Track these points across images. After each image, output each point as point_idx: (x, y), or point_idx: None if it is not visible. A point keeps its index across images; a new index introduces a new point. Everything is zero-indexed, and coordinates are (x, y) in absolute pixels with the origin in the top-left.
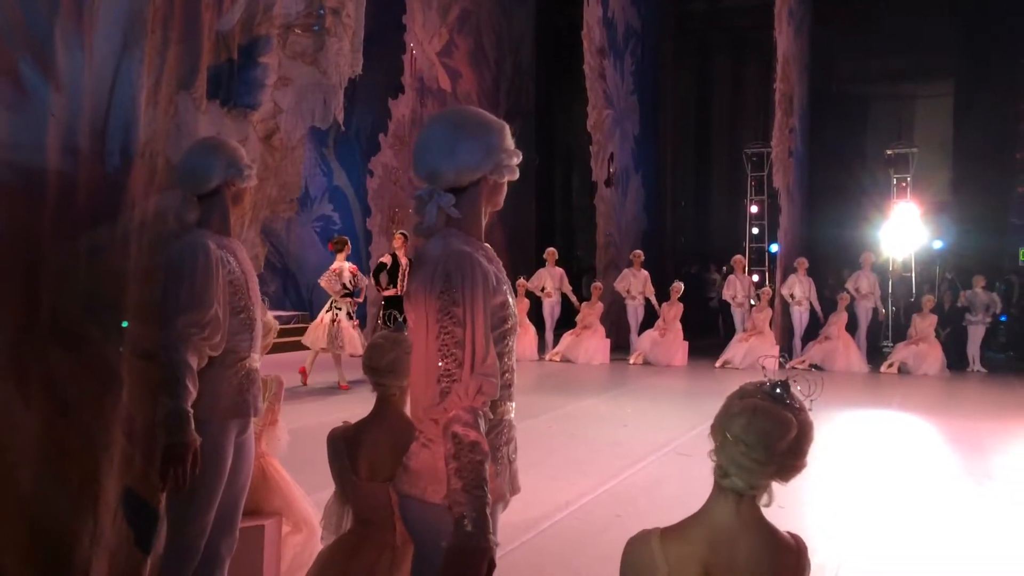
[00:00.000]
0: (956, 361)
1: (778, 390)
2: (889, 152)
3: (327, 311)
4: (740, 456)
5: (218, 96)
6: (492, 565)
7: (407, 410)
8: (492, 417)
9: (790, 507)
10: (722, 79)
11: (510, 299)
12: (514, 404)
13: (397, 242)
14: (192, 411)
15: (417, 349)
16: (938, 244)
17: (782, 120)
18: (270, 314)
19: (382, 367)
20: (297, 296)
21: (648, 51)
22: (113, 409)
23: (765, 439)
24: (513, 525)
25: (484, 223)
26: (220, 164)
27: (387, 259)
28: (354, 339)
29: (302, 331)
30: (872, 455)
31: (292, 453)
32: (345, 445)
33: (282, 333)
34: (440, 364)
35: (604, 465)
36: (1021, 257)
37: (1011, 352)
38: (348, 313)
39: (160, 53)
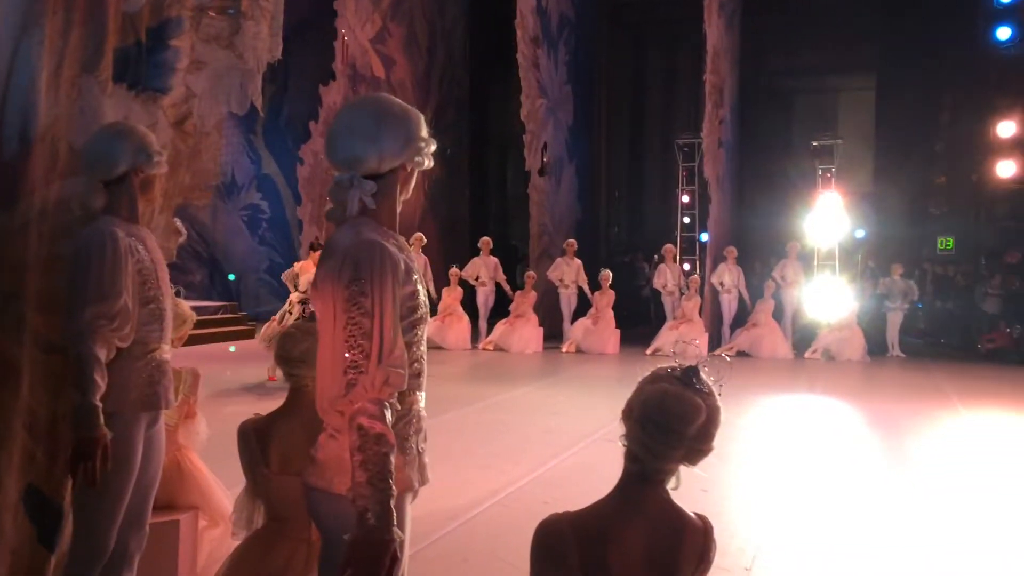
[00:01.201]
0: (876, 347)
1: (688, 375)
2: (815, 143)
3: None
4: (649, 440)
5: (125, 79)
6: (395, 558)
7: None
8: (400, 408)
9: (713, 490)
10: (655, 70)
11: (420, 289)
12: (424, 394)
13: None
14: (101, 405)
15: (324, 340)
16: (860, 233)
17: (712, 111)
18: (186, 304)
19: (294, 357)
20: (224, 286)
21: (582, 41)
22: (11, 403)
23: (674, 423)
24: (440, 514)
25: (398, 211)
26: (128, 149)
27: None
28: None
29: (229, 322)
30: (794, 439)
31: (214, 447)
32: (256, 437)
33: (207, 324)
34: (347, 355)
35: (534, 453)
36: (939, 246)
37: (928, 337)
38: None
39: (62, 35)
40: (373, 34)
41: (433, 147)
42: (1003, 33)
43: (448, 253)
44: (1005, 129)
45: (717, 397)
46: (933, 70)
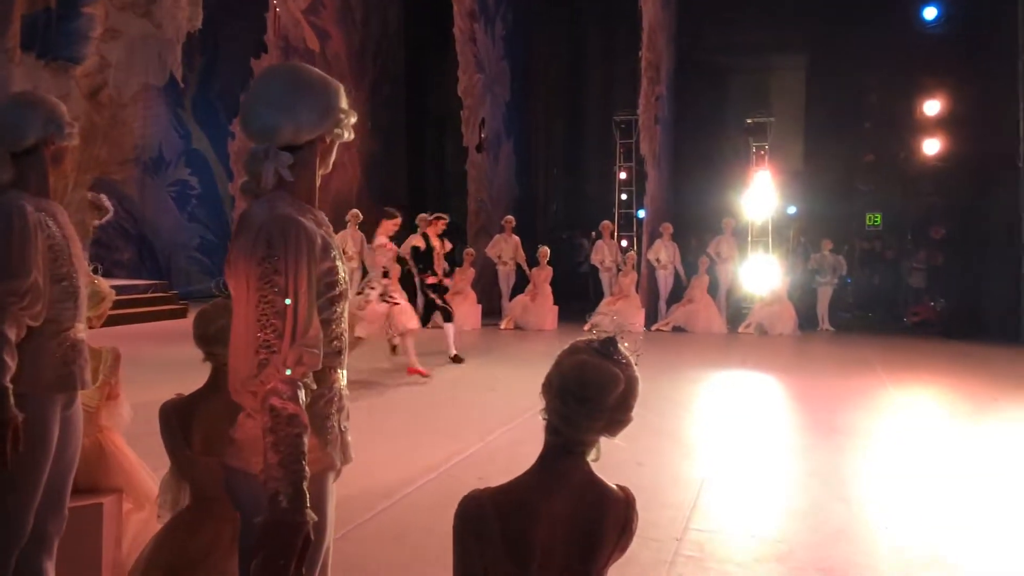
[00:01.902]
0: (807, 321)
1: (606, 346)
2: (749, 121)
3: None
4: (569, 412)
5: (34, 48)
6: (308, 540)
7: None
8: (319, 387)
9: (648, 463)
10: (593, 46)
11: (339, 264)
12: (345, 372)
13: (433, 226)
14: (12, 386)
15: (237, 318)
16: (792, 210)
17: (649, 88)
18: (105, 282)
19: (210, 335)
20: (154, 264)
21: (519, 16)
22: None
23: (593, 393)
24: (375, 492)
25: (317, 185)
26: (37, 120)
27: (419, 242)
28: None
29: (159, 301)
30: (727, 413)
31: (140, 428)
32: (178, 418)
33: (137, 304)
34: (259, 335)
35: (470, 430)
36: (867, 222)
37: (856, 311)
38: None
39: None
40: (306, 5)
41: (354, 119)
42: (929, 13)
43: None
44: (930, 108)
45: (635, 368)
46: (862, 50)
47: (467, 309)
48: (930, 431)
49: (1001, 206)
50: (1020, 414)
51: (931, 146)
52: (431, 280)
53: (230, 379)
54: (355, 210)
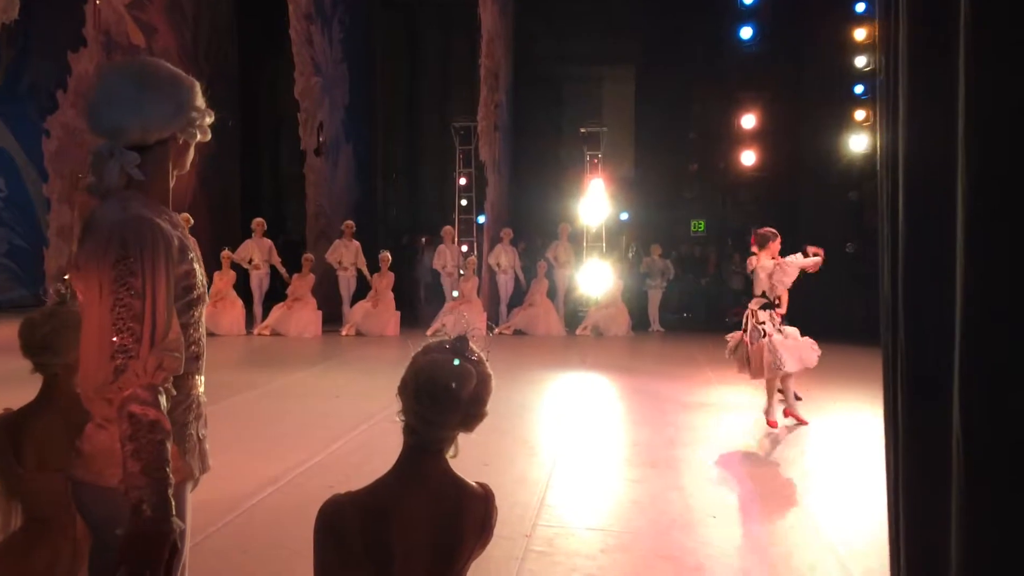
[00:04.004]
0: (639, 323)
1: (458, 345)
2: (583, 130)
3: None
4: (425, 410)
5: None
6: (175, 549)
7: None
8: (176, 393)
9: (494, 463)
10: (432, 52)
11: (196, 267)
12: (203, 378)
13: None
14: None
15: (89, 323)
16: (625, 216)
17: (488, 95)
18: None
19: (35, 343)
20: None
21: (357, 19)
22: None
23: (447, 390)
24: (217, 505)
25: (171, 186)
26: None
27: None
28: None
29: None
30: (567, 412)
31: None
32: (7, 435)
33: None
34: (115, 339)
35: (315, 438)
36: (692, 228)
37: (685, 313)
38: None
39: None
40: None
41: (210, 118)
42: (745, 32)
43: (219, 235)
44: (747, 121)
45: (487, 364)
46: (687, 64)
47: (307, 316)
48: (754, 423)
49: (806, 217)
50: (831, 403)
51: (748, 157)
52: None
53: (81, 386)
54: (185, 214)
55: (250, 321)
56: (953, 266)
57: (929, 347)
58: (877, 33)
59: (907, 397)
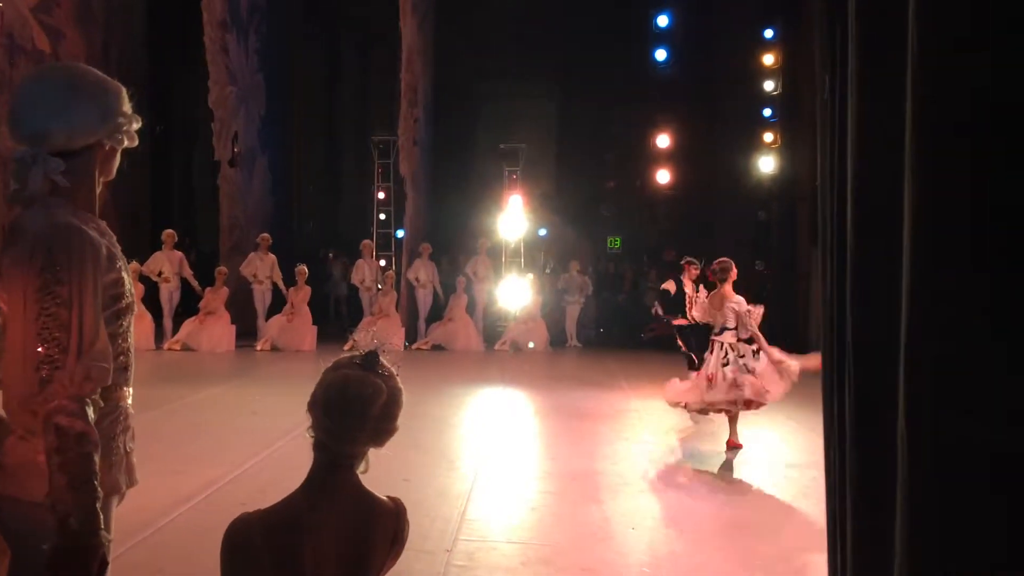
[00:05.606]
0: (557, 337)
1: (368, 360)
2: (502, 146)
3: None
4: (335, 425)
5: None
6: (104, 564)
7: None
8: (103, 405)
9: (414, 479)
10: (352, 65)
11: (125, 276)
12: (131, 390)
13: (688, 273)
14: None
15: (12, 333)
16: (543, 232)
17: (408, 110)
18: None
19: None
20: None
21: (275, 30)
22: None
23: (357, 405)
24: (130, 523)
25: (97, 193)
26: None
27: (671, 286)
28: None
29: None
30: (486, 427)
31: None
32: None
33: None
34: (40, 349)
35: (231, 454)
36: (609, 244)
37: (602, 328)
38: None
39: None
40: (36, 3)
41: (137, 124)
42: (660, 55)
43: (128, 246)
44: (662, 141)
45: (397, 379)
46: (604, 85)
47: (220, 330)
48: (672, 436)
49: (720, 234)
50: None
51: (662, 176)
52: (679, 322)
53: (4, 398)
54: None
55: (160, 335)
56: (899, 273)
57: (875, 347)
58: (818, 51)
59: (853, 398)
